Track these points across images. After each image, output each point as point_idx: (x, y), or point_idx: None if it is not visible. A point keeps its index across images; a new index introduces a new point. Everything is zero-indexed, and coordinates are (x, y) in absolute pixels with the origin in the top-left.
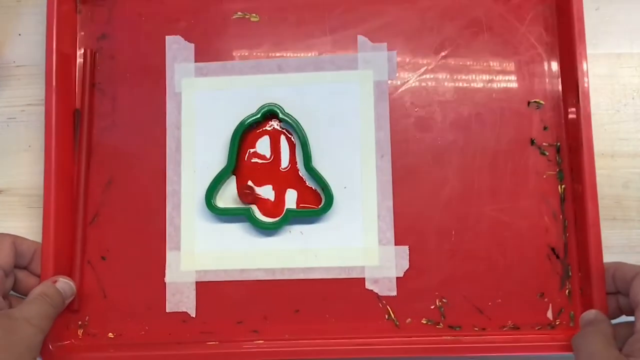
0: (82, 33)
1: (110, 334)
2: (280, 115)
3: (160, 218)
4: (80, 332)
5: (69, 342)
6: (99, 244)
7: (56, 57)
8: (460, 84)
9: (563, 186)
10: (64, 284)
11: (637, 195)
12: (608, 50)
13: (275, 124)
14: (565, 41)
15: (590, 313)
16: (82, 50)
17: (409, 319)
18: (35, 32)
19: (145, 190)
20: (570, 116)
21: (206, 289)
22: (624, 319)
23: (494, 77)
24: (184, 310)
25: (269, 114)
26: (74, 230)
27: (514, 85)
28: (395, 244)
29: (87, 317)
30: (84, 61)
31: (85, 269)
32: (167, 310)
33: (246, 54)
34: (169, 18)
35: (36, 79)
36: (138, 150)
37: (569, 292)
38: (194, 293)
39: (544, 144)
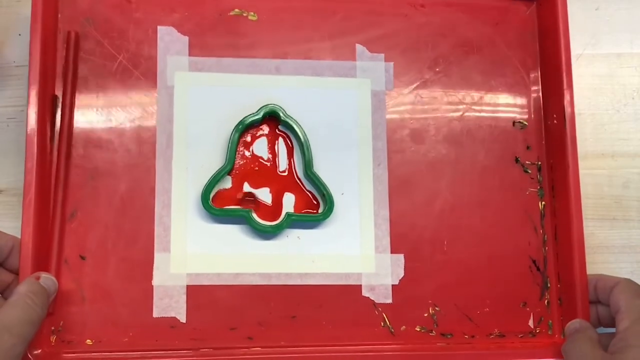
0: (64, 14)
1: (88, 340)
2: (282, 117)
3: (148, 217)
4: (53, 338)
5: (40, 350)
6: (78, 242)
7: (40, 39)
8: (452, 100)
9: (543, 203)
10: (47, 280)
11: (637, 195)
12: (608, 50)
13: (274, 125)
14: (548, 67)
15: (575, 322)
16: (65, 33)
17: (404, 327)
18: None
19: (132, 186)
20: (556, 138)
21: (198, 293)
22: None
23: (483, 96)
24: (173, 315)
25: (269, 114)
26: (51, 226)
27: (501, 105)
28: (391, 252)
29: (62, 322)
30: (66, 45)
31: (62, 268)
32: (154, 315)
33: (242, 52)
34: (161, 7)
35: None
36: (124, 143)
37: (547, 303)
38: (184, 297)
39: (527, 162)
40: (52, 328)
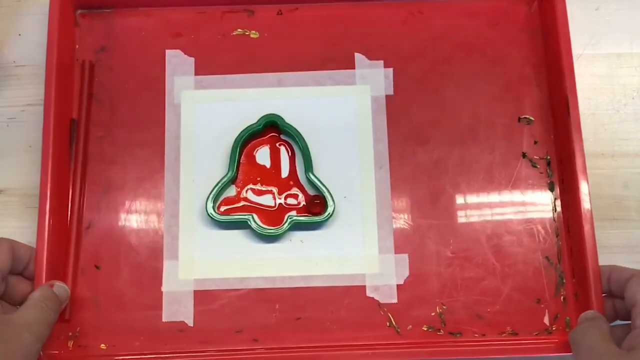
0: (81, 45)
1: (102, 345)
2: (281, 125)
3: (157, 227)
4: (70, 343)
5: (57, 351)
6: (93, 252)
7: (55, 68)
8: (454, 101)
9: (554, 197)
10: (60, 288)
11: (637, 195)
12: (608, 50)
13: (275, 134)
14: (552, 61)
15: (589, 312)
16: (81, 62)
17: (410, 326)
18: (35, 32)
19: (142, 199)
20: (563, 132)
21: (205, 298)
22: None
23: (486, 95)
24: (182, 319)
25: (270, 124)
26: (68, 237)
27: (505, 102)
28: (395, 253)
29: (78, 328)
30: (82, 72)
31: (78, 277)
32: (164, 320)
33: (246, 69)
34: (169, 33)
35: (36, 79)
36: (135, 159)
37: (563, 299)
38: (192, 302)
39: (535, 157)
40: (70, 334)
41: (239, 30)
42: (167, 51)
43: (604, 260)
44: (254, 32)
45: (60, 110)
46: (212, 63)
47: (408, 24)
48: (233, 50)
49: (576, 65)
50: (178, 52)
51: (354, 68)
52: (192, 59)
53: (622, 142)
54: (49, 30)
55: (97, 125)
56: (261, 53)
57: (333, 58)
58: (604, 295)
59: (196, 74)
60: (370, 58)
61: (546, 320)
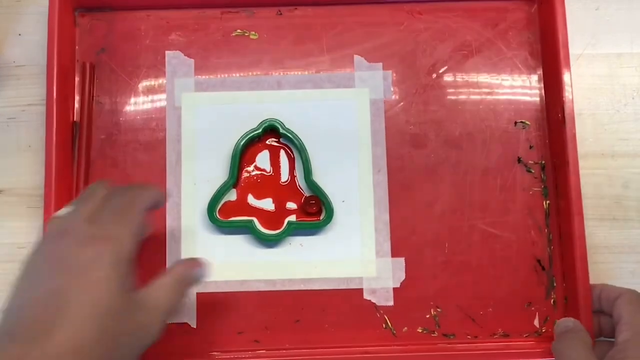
0: (81, 46)
1: None
2: (281, 130)
3: (160, 230)
4: None
5: None
6: None
7: (56, 68)
8: (452, 104)
9: (548, 202)
10: (202, 270)
11: (637, 195)
12: (608, 50)
13: (275, 138)
14: (550, 66)
15: (568, 321)
16: (81, 64)
17: (405, 328)
18: (35, 32)
19: None
20: (558, 136)
21: (207, 300)
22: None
23: (483, 98)
24: (185, 321)
25: (269, 128)
26: None
27: (502, 106)
28: (392, 256)
29: None
30: (82, 74)
31: None
32: (168, 321)
33: (245, 70)
34: (169, 33)
35: (36, 79)
36: (137, 162)
37: (553, 302)
38: (194, 304)
39: (530, 162)
40: None
41: (239, 31)
42: (166, 52)
43: (603, 259)
44: (253, 33)
45: (62, 111)
46: (211, 64)
47: (407, 25)
48: (232, 51)
49: (576, 66)
50: (178, 53)
51: (353, 70)
52: (192, 60)
53: (622, 142)
54: (48, 30)
55: (98, 128)
56: (260, 54)
57: (332, 60)
58: (594, 312)
59: (196, 75)
60: (369, 60)
61: (536, 322)
